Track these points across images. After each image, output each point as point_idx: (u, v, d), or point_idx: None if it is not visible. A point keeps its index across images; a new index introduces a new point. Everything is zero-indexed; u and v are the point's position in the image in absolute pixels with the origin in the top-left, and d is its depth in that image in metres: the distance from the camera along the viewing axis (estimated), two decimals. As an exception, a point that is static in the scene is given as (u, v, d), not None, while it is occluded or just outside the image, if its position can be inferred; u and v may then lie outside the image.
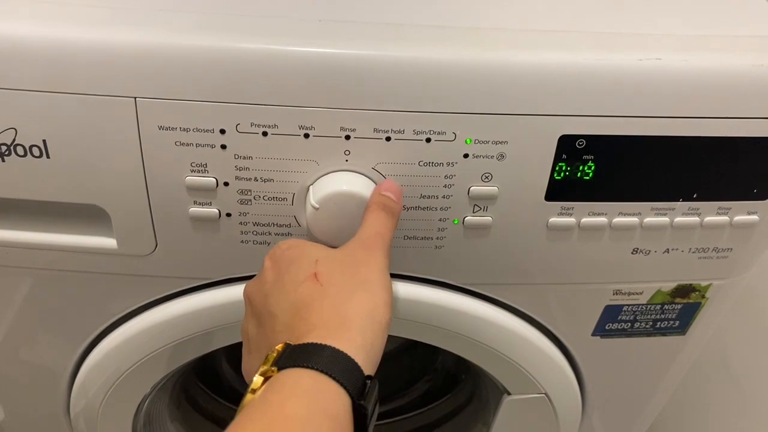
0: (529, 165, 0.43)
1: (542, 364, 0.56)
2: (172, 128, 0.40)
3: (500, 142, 0.42)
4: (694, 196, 0.46)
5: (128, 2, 0.41)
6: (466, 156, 0.42)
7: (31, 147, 0.41)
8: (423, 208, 0.45)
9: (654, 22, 0.45)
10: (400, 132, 0.41)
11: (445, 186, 0.44)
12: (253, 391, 0.31)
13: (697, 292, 0.54)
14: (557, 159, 0.43)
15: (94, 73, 0.38)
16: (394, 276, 0.49)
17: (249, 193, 0.43)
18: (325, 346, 0.31)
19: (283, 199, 0.44)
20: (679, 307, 0.55)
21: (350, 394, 0.30)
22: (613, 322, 0.55)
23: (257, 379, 0.31)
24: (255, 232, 0.45)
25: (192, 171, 0.42)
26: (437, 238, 0.47)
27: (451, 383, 0.82)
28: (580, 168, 0.43)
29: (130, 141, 0.40)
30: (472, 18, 0.43)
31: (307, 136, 0.41)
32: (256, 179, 0.42)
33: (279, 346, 0.32)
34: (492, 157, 0.42)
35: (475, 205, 0.45)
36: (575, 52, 0.40)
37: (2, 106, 0.39)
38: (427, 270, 0.50)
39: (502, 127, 0.41)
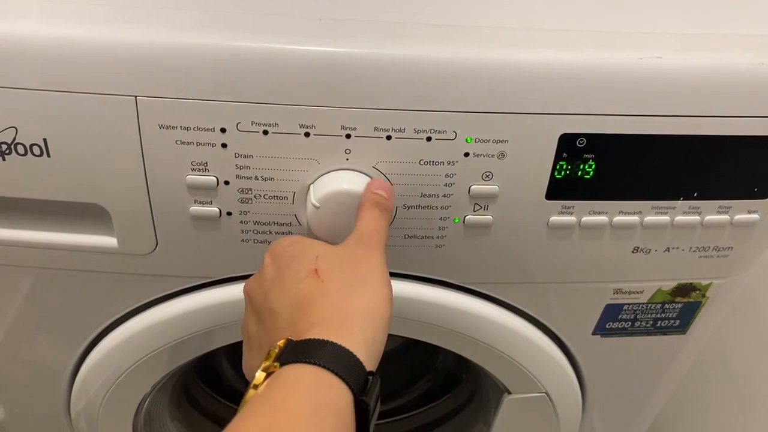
0: (530, 164, 0.43)
1: (543, 363, 0.56)
2: (173, 127, 0.40)
3: (501, 141, 0.42)
4: (695, 194, 0.46)
5: (129, 1, 0.41)
6: (466, 155, 0.42)
7: (31, 146, 0.41)
8: (423, 207, 0.45)
9: (654, 20, 0.45)
10: (400, 131, 0.41)
11: (445, 185, 0.44)
12: (256, 386, 0.31)
13: (697, 291, 0.54)
14: (558, 158, 0.43)
15: (95, 72, 0.38)
16: (394, 275, 0.49)
17: (249, 191, 0.43)
18: (328, 341, 0.31)
19: (283, 198, 0.44)
20: (680, 306, 0.55)
21: (352, 390, 0.30)
22: (614, 321, 0.55)
23: (259, 375, 0.31)
24: (255, 231, 0.45)
25: (192, 170, 0.42)
26: (438, 237, 0.47)
27: (451, 382, 0.82)
28: (581, 167, 0.43)
29: (131, 140, 0.40)
30: (472, 17, 0.43)
31: (307, 134, 0.41)
32: (256, 178, 0.42)
33: (281, 342, 0.32)
34: (492, 155, 0.42)
35: (475, 203, 0.45)
36: (576, 51, 0.40)
37: (3, 105, 0.39)
38: (427, 269, 0.50)
39: (503, 126, 0.41)
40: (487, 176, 0.43)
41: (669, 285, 0.53)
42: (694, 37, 0.43)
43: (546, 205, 0.45)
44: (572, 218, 0.46)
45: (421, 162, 0.42)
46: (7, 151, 0.41)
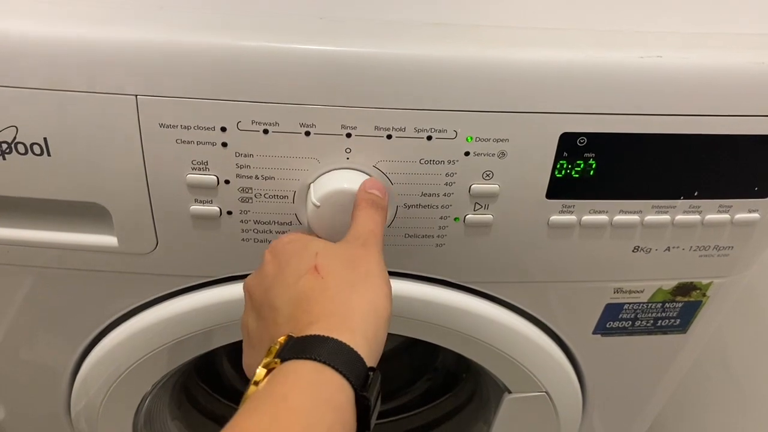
0: (530, 163, 0.43)
1: (543, 362, 0.56)
2: (173, 126, 0.40)
3: (501, 140, 0.42)
4: (695, 194, 0.46)
5: (129, 0, 0.41)
6: (467, 154, 0.42)
7: (32, 145, 0.41)
8: (424, 206, 0.45)
9: (655, 19, 0.45)
10: (401, 130, 0.41)
11: (446, 184, 0.44)
12: (256, 383, 0.31)
13: (698, 291, 0.54)
14: (558, 157, 0.43)
15: (95, 71, 0.38)
16: (394, 274, 0.49)
17: (250, 191, 0.43)
18: (328, 338, 0.31)
19: (284, 197, 0.44)
20: (680, 305, 0.55)
21: (353, 386, 0.30)
22: (614, 320, 0.55)
23: (260, 371, 0.31)
24: (256, 230, 0.45)
25: (193, 169, 0.42)
26: (438, 236, 0.47)
27: (451, 382, 0.82)
28: (581, 166, 0.43)
29: (131, 139, 0.40)
30: (472, 16, 0.43)
31: (308, 133, 0.41)
32: (257, 177, 0.42)
33: (281, 339, 0.32)
34: (493, 154, 0.42)
35: (476, 203, 0.45)
36: (576, 50, 0.40)
37: (3, 104, 0.39)
38: (427, 268, 0.50)
39: (503, 125, 0.41)
40: (488, 175, 0.43)
41: (669, 284, 0.53)
42: (695, 36, 0.43)
43: (546, 204, 0.45)
44: (573, 217, 0.46)
45: (422, 161, 0.42)
46: (7, 150, 0.41)
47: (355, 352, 0.31)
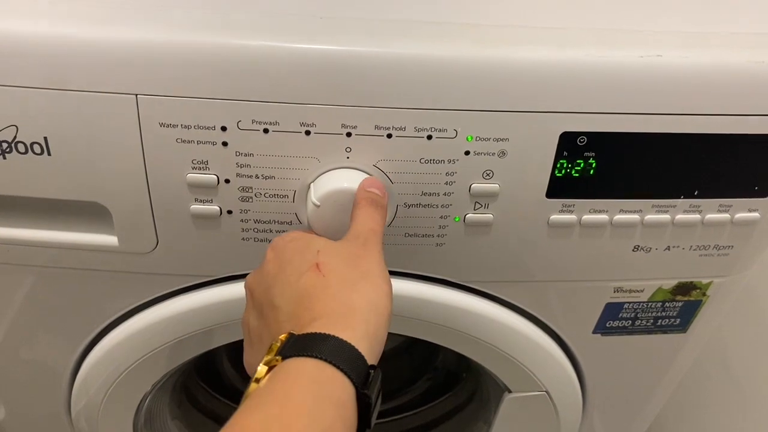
0: (530, 162, 0.43)
1: (543, 361, 0.56)
2: (174, 125, 0.40)
3: (501, 139, 0.42)
4: (695, 193, 0.46)
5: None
6: (467, 153, 0.42)
7: (32, 144, 0.41)
8: (424, 206, 0.45)
9: (654, 18, 0.45)
10: (401, 129, 0.41)
11: (446, 183, 0.44)
12: (257, 380, 0.31)
13: (698, 290, 0.54)
14: (558, 156, 0.43)
15: (95, 71, 0.38)
16: (395, 274, 0.49)
17: (250, 190, 0.43)
18: (329, 335, 0.31)
19: (284, 197, 0.44)
20: (680, 304, 0.55)
21: (354, 383, 0.31)
22: (614, 319, 0.55)
23: (261, 369, 0.31)
24: (256, 230, 0.45)
25: (193, 168, 0.42)
26: (438, 236, 0.47)
27: (452, 381, 0.82)
28: (581, 165, 0.43)
29: (131, 138, 0.40)
30: (473, 15, 0.43)
31: (308, 133, 0.41)
32: (257, 176, 0.42)
33: (283, 336, 0.32)
34: (493, 154, 0.42)
35: (476, 202, 0.45)
36: (576, 49, 0.40)
37: (3, 104, 0.39)
38: (428, 267, 0.50)
39: (503, 124, 0.41)
40: (488, 175, 0.43)
41: (669, 283, 0.53)
42: (695, 35, 0.43)
43: (546, 203, 0.45)
44: (573, 217, 0.46)
45: (422, 160, 0.42)
46: (7, 150, 0.41)
47: (357, 350, 0.31)
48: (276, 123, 0.40)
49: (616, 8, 0.46)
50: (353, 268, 0.36)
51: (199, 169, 0.42)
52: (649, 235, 0.48)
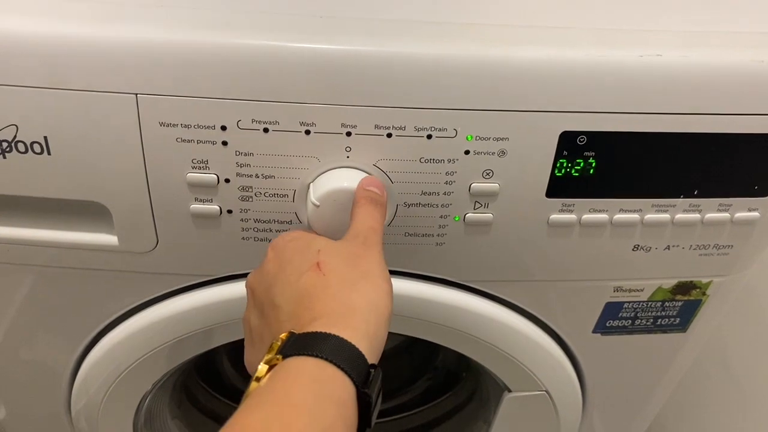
0: (530, 161, 0.43)
1: (543, 361, 0.56)
2: (174, 125, 0.40)
3: (501, 139, 0.42)
4: (695, 192, 0.46)
5: (129, -1, 0.41)
6: (467, 152, 0.42)
7: (32, 143, 0.41)
8: (424, 205, 0.45)
9: (654, 18, 0.45)
10: (401, 128, 0.41)
11: (446, 183, 0.44)
12: (258, 379, 0.31)
13: (697, 289, 0.54)
14: (558, 155, 0.43)
15: (95, 70, 0.38)
16: (394, 273, 0.49)
17: (250, 189, 0.43)
18: (330, 334, 0.31)
19: (284, 196, 0.44)
20: (680, 304, 0.55)
21: (354, 382, 0.31)
22: (614, 319, 0.55)
23: (262, 368, 0.31)
24: (256, 229, 0.45)
25: (193, 168, 0.42)
26: (438, 235, 0.47)
27: (452, 381, 0.82)
28: (581, 164, 0.43)
29: (131, 137, 0.40)
30: (472, 14, 0.43)
31: (308, 132, 0.41)
32: (257, 176, 0.42)
33: (283, 335, 0.32)
34: (493, 153, 0.42)
35: (476, 201, 0.45)
36: (576, 49, 0.40)
37: (3, 103, 0.39)
38: (427, 267, 0.50)
39: (503, 124, 0.41)
40: (488, 174, 0.43)
41: (669, 283, 0.53)
42: (695, 34, 0.43)
43: (546, 203, 0.45)
44: (572, 216, 0.46)
45: (422, 160, 0.42)
46: (7, 149, 0.41)
47: (357, 349, 0.31)
48: (276, 122, 0.40)
49: (616, 8, 0.46)
50: (353, 267, 0.36)
51: (199, 168, 0.42)
52: (649, 234, 0.48)
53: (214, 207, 0.44)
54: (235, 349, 0.51)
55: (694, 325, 0.57)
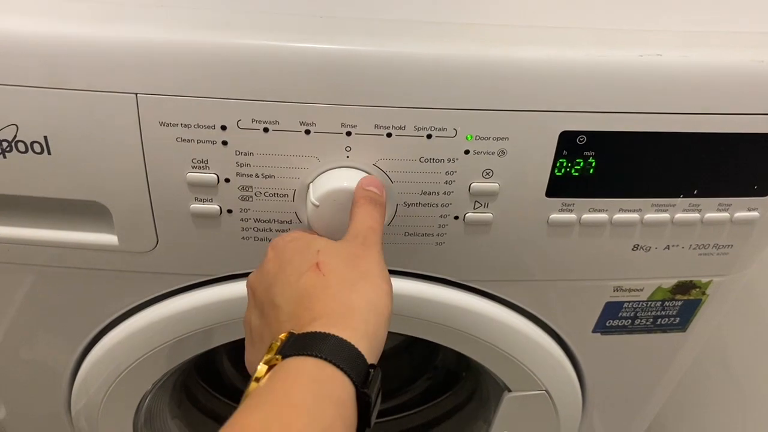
0: (530, 161, 0.43)
1: (543, 360, 0.56)
2: (174, 124, 0.40)
3: (501, 139, 0.42)
4: (695, 192, 0.46)
5: (129, -1, 0.41)
6: (466, 152, 0.42)
7: (32, 143, 0.41)
8: (424, 205, 0.45)
9: (654, 18, 0.45)
10: (401, 128, 0.41)
11: (445, 182, 0.44)
12: (257, 379, 0.31)
13: (697, 289, 0.54)
14: (558, 155, 0.43)
15: (95, 70, 0.38)
16: (394, 273, 0.49)
17: (250, 189, 0.43)
18: (329, 334, 0.31)
19: (284, 196, 0.44)
20: (680, 303, 0.55)
21: (354, 382, 0.31)
22: (614, 318, 0.55)
23: (261, 368, 0.31)
24: (256, 229, 0.45)
25: (193, 167, 0.42)
26: (438, 235, 0.47)
27: (451, 380, 0.82)
28: (581, 164, 0.43)
29: (132, 137, 0.40)
30: (472, 14, 0.43)
31: (308, 132, 0.41)
32: (257, 175, 0.43)
33: (283, 335, 0.32)
34: (493, 153, 0.42)
35: (475, 201, 0.45)
36: (576, 48, 0.40)
37: (3, 103, 0.39)
38: (427, 267, 0.50)
39: (503, 124, 0.41)
40: (488, 174, 0.43)
41: (669, 282, 0.53)
42: (695, 34, 0.43)
43: (546, 202, 0.45)
44: (572, 216, 0.46)
45: (422, 159, 0.42)
46: (8, 149, 0.41)
47: (356, 349, 0.31)
48: (276, 122, 0.40)
49: (616, 8, 0.46)
50: (353, 267, 0.36)
51: (199, 168, 0.42)
52: (649, 234, 0.48)
53: (214, 207, 0.44)
54: (235, 348, 0.51)
55: (693, 325, 0.57)
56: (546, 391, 0.58)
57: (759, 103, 0.42)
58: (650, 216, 0.47)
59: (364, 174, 0.43)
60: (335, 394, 0.30)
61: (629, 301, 0.54)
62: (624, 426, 0.68)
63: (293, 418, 0.28)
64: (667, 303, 0.55)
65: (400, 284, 0.50)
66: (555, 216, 0.46)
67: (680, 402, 0.85)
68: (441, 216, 0.45)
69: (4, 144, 0.41)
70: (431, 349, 0.84)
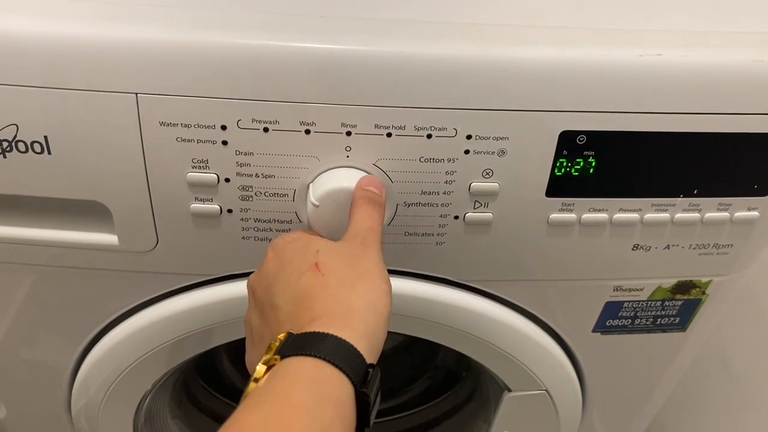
0: (530, 161, 0.43)
1: (543, 360, 0.56)
2: (174, 124, 0.40)
3: (501, 138, 0.42)
4: (695, 192, 0.46)
5: (129, -2, 0.41)
6: (466, 152, 0.42)
7: (32, 143, 0.41)
8: (424, 205, 0.45)
9: (654, 18, 0.45)
10: (401, 128, 0.41)
11: (445, 182, 0.44)
12: (256, 380, 0.31)
13: (697, 289, 0.54)
14: (558, 155, 0.43)
15: (96, 69, 0.38)
16: (394, 272, 0.49)
17: (250, 189, 0.43)
18: (328, 334, 0.31)
19: (284, 195, 0.44)
20: (680, 303, 0.55)
21: (353, 382, 0.31)
22: (614, 318, 0.55)
23: (260, 368, 0.31)
24: (256, 229, 0.45)
25: (193, 167, 0.42)
26: (438, 235, 0.47)
27: (452, 380, 0.82)
28: (581, 164, 0.43)
29: (132, 137, 0.40)
30: (472, 14, 0.43)
31: (308, 132, 0.41)
32: (257, 175, 0.43)
33: (281, 336, 0.32)
34: (493, 153, 0.42)
35: (475, 201, 0.45)
36: (576, 48, 0.40)
37: (4, 103, 0.39)
38: (427, 266, 0.50)
39: (503, 123, 0.41)
40: (488, 173, 0.43)
41: (669, 282, 0.53)
42: (695, 34, 0.43)
43: (546, 202, 0.45)
44: (572, 215, 0.46)
45: (422, 159, 0.42)
46: (8, 149, 0.41)
47: (355, 349, 0.31)
48: (276, 122, 0.40)
49: (616, 8, 0.46)
50: (352, 268, 0.36)
51: (199, 168, 0.42)
52: (649, 233, 0.48)
53: (214, 206, 0.44)
54: (236, 348, 0.51)
55: (693, 325, 0.57)
56: (546, 390, 0.58)
57: (759, 103, 0.42)
58: (650, 216, 0.47)
59: (365, 174, 0.43)
60: (334, 394, 0.30)
61: (629, 301, 0.54)
62: (624, 426, 0.68)
63: (292, 418, 0.28)
64: (667, 303, 0.55)
65: (400, 284, 0.50)
66: (555, 216, 0.46)
67: (680, 402, 0.85)
68: (441, 216, 0.45)
69: (5, 144, 0.41)
70: (431, 349, 0.84)
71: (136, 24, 0.39)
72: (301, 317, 0.34)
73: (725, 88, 0.41)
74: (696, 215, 0.47)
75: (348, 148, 0.42)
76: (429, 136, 0.41)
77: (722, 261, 0.51)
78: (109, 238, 0.46)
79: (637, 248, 0.49)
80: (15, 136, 0.41)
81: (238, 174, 0.42)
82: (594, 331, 0.56)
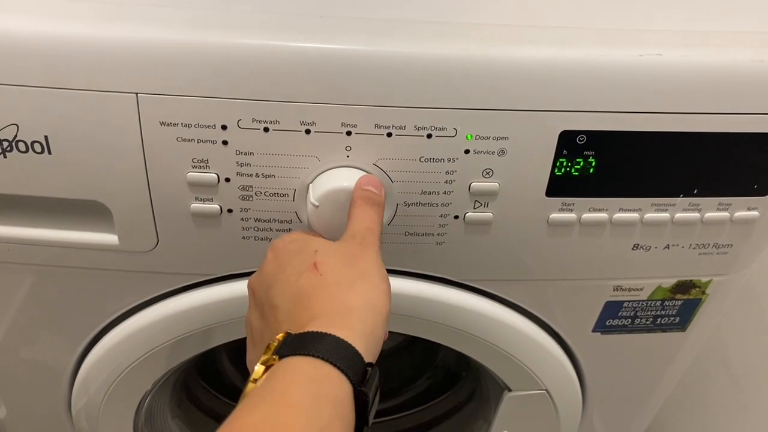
0: (530, 161, 0.43)
1: (543, 360, 0.56)
2: (174, 124, 0.40)
3: (501, 138, 0.42)
4: (695, 191, 0.46)
5: (129, -2, 0.41)
6: (467, 152, 0.42)
7: (32, 143, 0.41)
8: (424, 204, 0.45)
9: (654, 17, 0.45)
10: (401, 128, 0.41)
11: (446, 182, 0.44)
12: (255, 380, 0.31)
13: (697, 288, 0.54)
14: (558, 155, 0.43)
15: (96, 69, 0.38)
16: (394, 272, 0.49)
17: (250, 189, 0.43)
18: (326, 334, 0.31)
19: (284, 195, 0.44)
20: (680, 303, 0.55)
21: (351, 381, 0.31)
22: (614, 318, 0.55)
23: (259, 368, 0.31)
24: (256, 228, 0.45)
25: (193, 167, 0.42)
26: (438, 234, 0.47)
27: (451, 380, 0.82)
28: (581, 164, 0.43)
29: (132, 137, 0.40)
30: (472, 14, 0.43)
31: (308, 131, 0.41)
32: (257, 175, 0.43)
33: (280, 336, 0.32)
34: (493, 152, 0.42)
35: (475, 201, 0.45)
36: (576, 48, 0.40)
37: (4, 103, 0.39)
38: (427, 266, 0.50)
39: (503, 123, 0.41)
40: (488, 173, 0.43)
41: (669, 282, 0.53)
42: (695, 34, 0.43)
43: (546, 202, 0.45)
44: (572, 215, 0.46)
45: (422, 159, 0.42)
46: (8, 149, 0.41)
47: (353, 348, 0.31)
48: (276, 122, 0.40)
49: (616, 8, 0.46)
50: (351, 267, 0.36)
51: (200, 167, 0.42)
52: (649, 233, 0.48)
53: (215, 206, 0.44)
54: (236, 348, 0.51)
55: (693, 325, 0.57)
56: (546, 390, 0.58)
57: (759, 103, 0.42)
58: (650, 215, 0.47)
59: (363, 173, 0.43)
60: (332, 393, 0.30)
61: (629, 301, 0.54)
62: (624, 426, 0.68)
63: (291, 418, 0.28)
64: (666, 302, 0.55)
65: (400, 284, 0.50)
66: (555, 215, 0.46)
67: (680, 402, 0.85)
68: (441, 216, 0.45)
69: (5, 144, 0.41)
70: (431, 348, 0.84)
71: (136, 24, 0.39)
72: (299, 317, 0.34)
73: (725, 88, 0.41)
74: (696, 215, 0.47)
75: (348, 148, 0.42)
76: (429, 136, 0.41)
77: (722, 261, 0.51)
78: (110, 238, 0.46)
79: (637, 248, 0.49)
80: (15, 136, 0.41)
81: (238, 174, 0.42)
82: (594, 330, 0.56)
